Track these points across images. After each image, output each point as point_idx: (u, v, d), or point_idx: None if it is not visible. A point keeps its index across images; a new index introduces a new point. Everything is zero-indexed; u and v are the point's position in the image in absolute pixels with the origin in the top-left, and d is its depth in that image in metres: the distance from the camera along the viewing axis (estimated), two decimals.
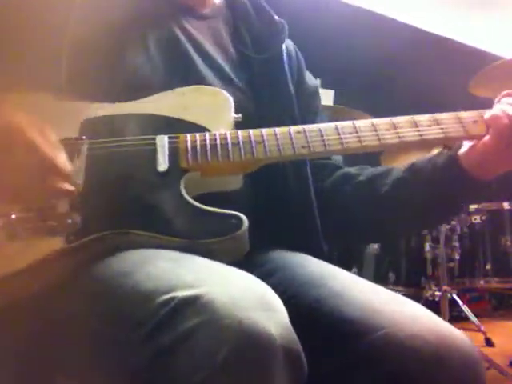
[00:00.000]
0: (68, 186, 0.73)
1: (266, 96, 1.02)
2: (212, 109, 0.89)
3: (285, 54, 1.07)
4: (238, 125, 0.88)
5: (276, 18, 1.11)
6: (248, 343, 0.56)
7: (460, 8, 3.82)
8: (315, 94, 1.16)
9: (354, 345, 0.73)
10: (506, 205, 2.79)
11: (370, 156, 0.91)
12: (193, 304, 0.58)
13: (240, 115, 0.88)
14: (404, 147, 0.88)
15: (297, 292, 0.83)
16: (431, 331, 0.72)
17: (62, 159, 0.73)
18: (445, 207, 0.95)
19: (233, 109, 0.89)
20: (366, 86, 3.46)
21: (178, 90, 0.90)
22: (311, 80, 1.16)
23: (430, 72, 3.56)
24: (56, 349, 0.70)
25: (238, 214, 0.76)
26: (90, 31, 0.87)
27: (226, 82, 1.00)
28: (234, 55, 1.06)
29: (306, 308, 0.80)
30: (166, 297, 0.60)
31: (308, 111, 1.08)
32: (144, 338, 0.60)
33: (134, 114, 0.86)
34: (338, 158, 1.11)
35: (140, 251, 0.73)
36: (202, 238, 0.74)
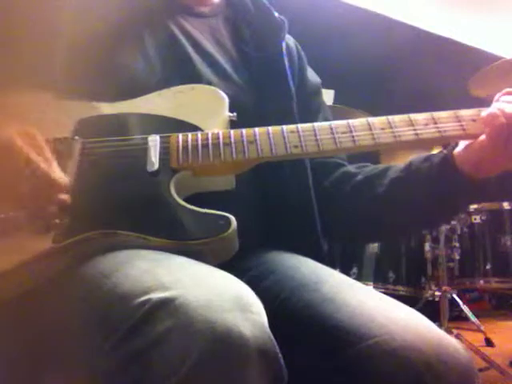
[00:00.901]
0: (63, 196, 0.74)
1: (265, 95, 1.01)
2: (207, 108, 0.89)
3: (285, 52, 1.06)
4: (236, 123, 0.87)
5: (276, 14, 1.09)
6: (220, 346, 0.55)
7: (460, 8, 3.82)
8: (317, 93, 1.14)
9: (345, 352, 0.72)
10: (505, 205, 2.78)
11: (370, 153, 0.91)
12: (166, 306, 0.57)
13: (235, 114, 0.88)
14: (400, 147, 0.87)
15: (291, 295, 0.82)
16: (424, 339, 0.71)
17: (56, 173, 0.74)
18: (442, 207, 0.94)
19: (228, 108, 0.88)
20: (366, 85, 3.45)
21: (174, 88, 0.90)
22: (313, 78, 1.15)
23: (430, 72, 3.56)
24: (39, 347, 0.70)
25: (227, 214, 0.76)
26: (85, 30, 0.86)
27: (226, 80, 0.99)
28: (233, 53, 1.05)
29: (298, 311, 0.79)
30: (141, 299, 0.59)
31: (309, 110, 1.07)
32: (119, 340, 0.59)
33: (128, 113, 0.86)
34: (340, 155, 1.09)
35: (124, 251, 0.72)
36: (189, 239, 0.74)
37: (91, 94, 0.85)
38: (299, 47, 1.15)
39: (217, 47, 1.03)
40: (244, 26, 1.08)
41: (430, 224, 1.23)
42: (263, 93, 1.01)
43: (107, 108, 0.86)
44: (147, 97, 0.89)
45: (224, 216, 0.76)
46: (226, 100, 0.89)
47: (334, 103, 3.09)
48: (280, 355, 0.60)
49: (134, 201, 0.77)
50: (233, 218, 0.75)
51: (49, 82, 0.82)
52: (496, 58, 2.52)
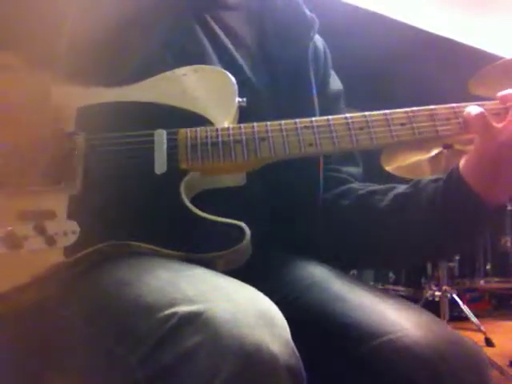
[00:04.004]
0: None
1: (285, 100, 0.95)
2: (214, 93, 0.84)
3: (311, 54, 0.99)
4: (246, 114, 0.84)
5: (307, 12, 1.02)
6: (250, 363, 0.54)
7: (460, 8, 3.82)
8: (337, 101, 1.08)
9: (358, 349, 0.71)
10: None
11: (370, 156, 0.89)
12: (194, 321, 0.56)
13: (244, 99, 0.84)
14: (417, 144, 0.83)
15: (300, 294, 0.82)
16: (436, 336, 0.71)
17: None
18: (447, 232, 0.83)
19: (237, 93, 0.84)
20: (365, 85, 3.45)
21: (178, 70, 0.85)
22: (335, 85, 1.08)
23: (430, 72, 3.56)
24: (52, 357, 0.69)
25: (241, 224, 0.73)
26: (95, 16, 0.83)
27: (244, 81, 0.92)
28: (255, 51, 0.99)
29: (309, 310, 0.79)
30: (167, 312, 0.57)
31: None
32: (146, 354, 0.58)
33: (132, 101, 0.82)
34: (352, 172, 1.03)
35: (138, 259, 0.71)
36: (202, 251, 0.72)
37: (96, 78, 0.82)
38: (327, 49, 1.08)
39: (236, 43, 0.97)
40: (270, 21, 1.01)
41: (434, 254, 1.06)
42: (283, 99, 0.95)
43: (107, 93, 0.81)
44: (150, 81, 0.84)
45: (238, 226, 0.73)
46: (235, 83, 0.84)
47: None
48: (303, 369, 0.59)
49: (145, 208, 0.75)
50: (247, 229, 0.72)
51: (53, 65, 0.79)
52: (496, 58, 2.51)
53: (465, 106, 0.81)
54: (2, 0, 0.83)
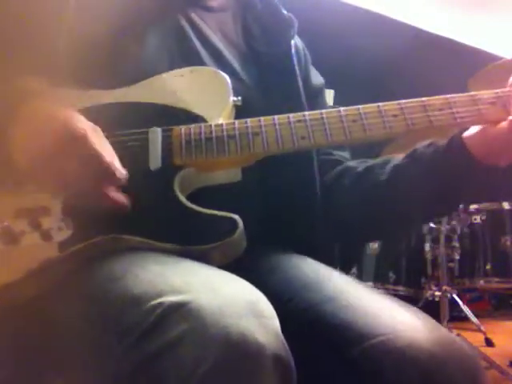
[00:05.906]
0: (123, 199, 0.73)
1: (274, 93, 0.98)
2: (209, 93, 0.85)
3: (293, 51, 1.03)
4: (239, 112, 0.85)
5: (284, 12, 1.07)
6: (235, 352, 0.54)
7: (460, 8, 3.82)
8: (320, 94, 1.11)
9: (349, 351, 0.71)
10: (505, 205, 2.78)
11: (371, 151, 0.89)
12: (180, 310, 0.56)
13: (239, 98, 0.85)
14: (413, 135, 0.82)
15: (294, 295, 0.81)
16: (430, 338, 0.70)
17: (119, 170, 0.73)
18: (447, 195, 0.86)
19: (231, 92, 0.85)
20: (366, 85, 3.46)
21: (174, 72, 0.87)
22: (316, 79, 1.12)
23: (430, 72, 3.56)
24: (48, 350, 0.69)
25: (233, 216, 0.73)
26: (91, 20, 0.84)
27: (234, 78, 0.95)
28: (242, 49, 1.02)
29: (302, 312, 0.78)
30: (153, 302, 0.58)
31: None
32: (132, 343, 0.58)
33: (129, 102, 0.83)
34: (342, 155, 1.05)
35: (131, 253, 0.71)
36: (195, 243, 0.72)
37: (93, 81, 0.83)
38: (305, 49, 1.12)
39: (225, 42, 1.00)
40: (253, 22, 1.06)
41: (433, 215, 1.08)
42: (272, 92, 0.98)
43: (105, 96, 0.83)
44: (147, 82, 0.86)
45: (230, 218, 0.73)
46: (229, 83, 0.86)
47: (333, 103, 3.09)
48: (292, 360, 0.59)
49: (138, 202, 0.75)
50: (239, 220, 0.73)
51: (51, 69, 0.80)
52: (496, 58, 2.52)
53: (458, 97, 0.81)
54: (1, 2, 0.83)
